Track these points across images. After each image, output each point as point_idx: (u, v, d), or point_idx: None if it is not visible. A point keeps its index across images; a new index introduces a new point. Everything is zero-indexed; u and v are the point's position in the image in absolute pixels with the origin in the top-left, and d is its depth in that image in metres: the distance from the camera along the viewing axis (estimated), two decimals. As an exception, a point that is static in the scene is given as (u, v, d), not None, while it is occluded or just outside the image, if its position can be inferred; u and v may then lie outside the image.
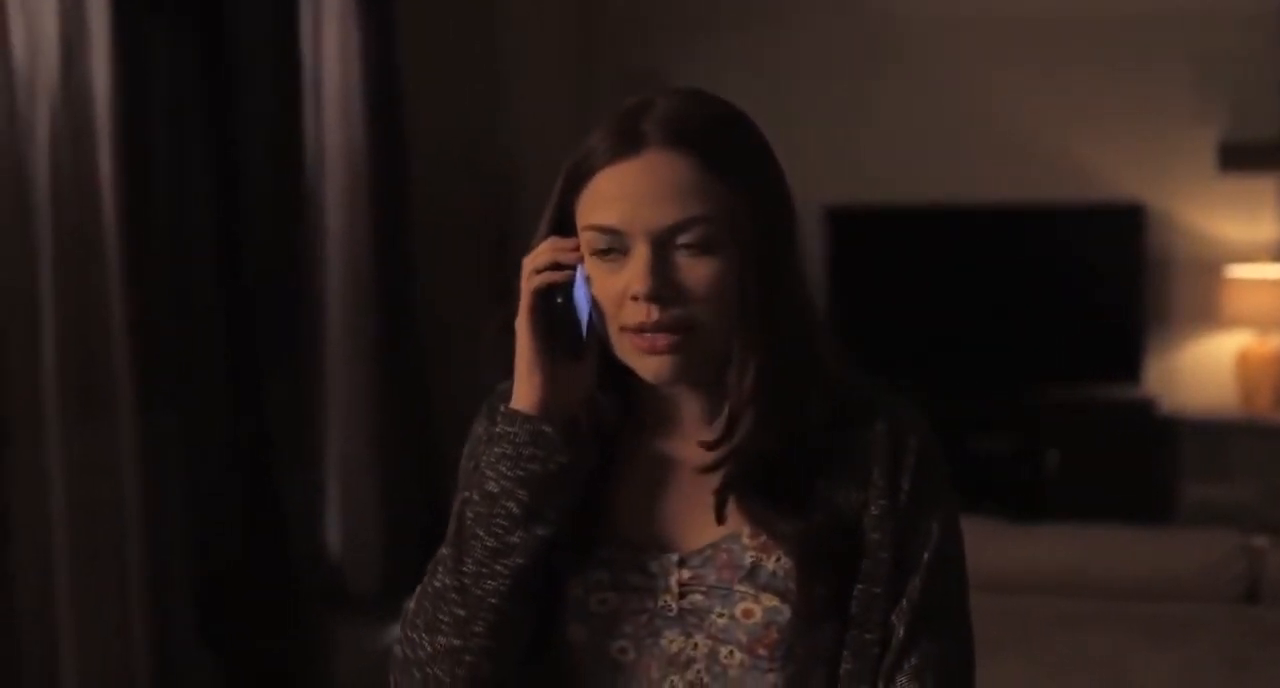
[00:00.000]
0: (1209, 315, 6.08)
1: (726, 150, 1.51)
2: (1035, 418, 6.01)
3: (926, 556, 1.54)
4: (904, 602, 1.53)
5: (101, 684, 3.95)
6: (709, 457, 1.55)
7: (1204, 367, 6.13)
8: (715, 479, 1.55)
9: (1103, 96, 6.13)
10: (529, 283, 1.53)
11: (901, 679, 1.53)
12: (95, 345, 3.93)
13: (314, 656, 4.55)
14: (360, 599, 4.70)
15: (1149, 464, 5.87)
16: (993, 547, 3.06)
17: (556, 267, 1.53)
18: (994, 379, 6.15)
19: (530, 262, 1.54)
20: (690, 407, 1.59)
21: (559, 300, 1.53)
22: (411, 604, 1.59)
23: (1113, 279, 6.09)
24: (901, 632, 1.53)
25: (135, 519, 4.03)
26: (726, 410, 1.56)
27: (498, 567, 1.52)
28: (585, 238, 1.53)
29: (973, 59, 6.22)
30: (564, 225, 1.56)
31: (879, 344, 6.15)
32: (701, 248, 1.49)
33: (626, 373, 1.56)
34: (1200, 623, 2.89)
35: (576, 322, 1.53)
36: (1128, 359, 6.07)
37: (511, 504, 1.51)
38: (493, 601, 1.52)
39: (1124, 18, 6.06)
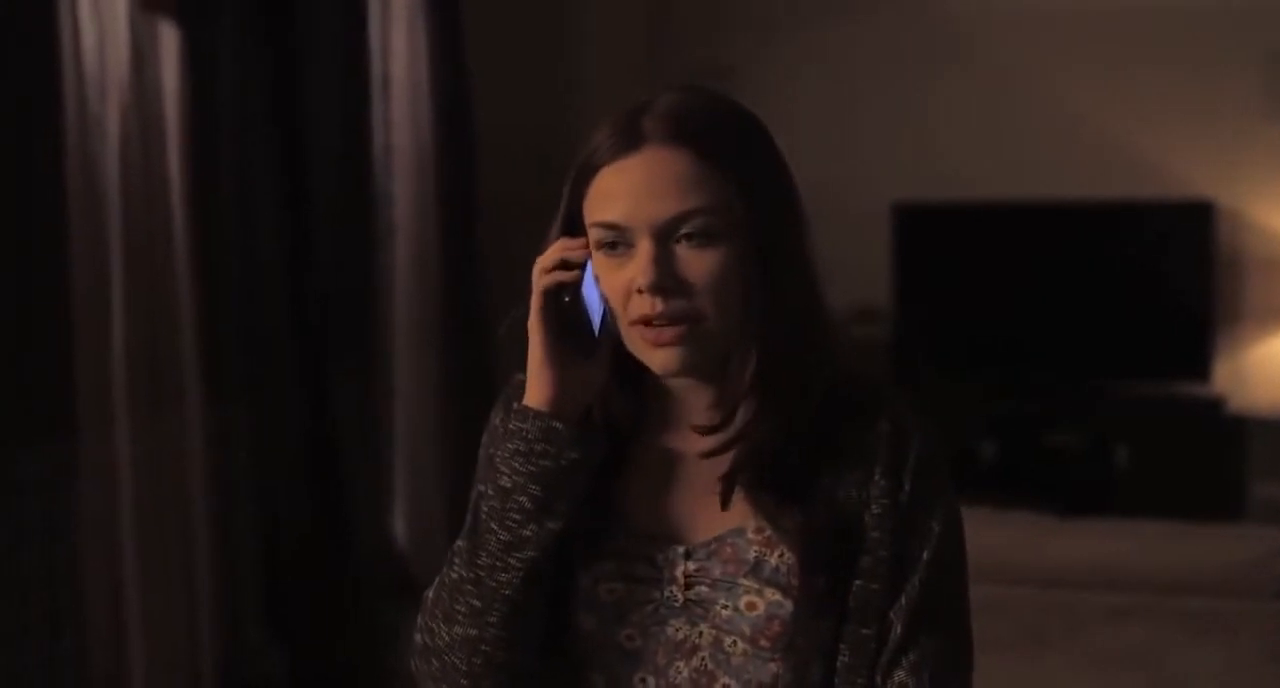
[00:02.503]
0: (1279, 313, 6.05)
1: (725, 144, 1.54)
2: (1105, 415, 6.00)
3: (926, 555, 1.57)
4: (902, 599, 1.56)
5: (169, 676, 4.02)
6: (709, 442, 1.58)
7: (1274, 365, 6.10)
8: (720, 471, 1.59)
9: (1172, 93, 6.11)
10: (539, 282, 1.57)
11: (899, 674, 1.56)
12: (164, 341, 4.00)
13: (380, 646, 4.60)
14: (426, 591, 4.76)
15: (1217, 462, 5.84)
16: (1039, 542, 3.08)
17: (566, 266, 1.57)
18: (1063, 377, 6.14)
19: (540, 262, 1.58)
20: (697, 399, 1.62)
21: (567, 299, 1.57)
22: (430, 594, 1.64)
23: (1182, 277, 6.07)
24: (899, 628, 1.56)
25: (202, 512, 4.10)
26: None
27: (511, 559, 1.56)
28: (591, 235, 1.57)
29: (1042, 56, 6.21)
30: (574, 225, 1.60)
31: (947, 342, 6.18)
32: (703, 240, 1.52)
33: (638, 369, 1.59)
34: (1242, 618, 2.89)
35: (586, 320, 1.57)
36: (1197, 357, 6.04)
37: (524, 499, 1.55)
38: (506, 592, 1.56)
39: (1194, 12, 6.04)
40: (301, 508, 4.67)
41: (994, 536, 3.16)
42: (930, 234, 6.28)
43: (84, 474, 3.84)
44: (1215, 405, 5.94)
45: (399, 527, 4.99)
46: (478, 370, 5.10)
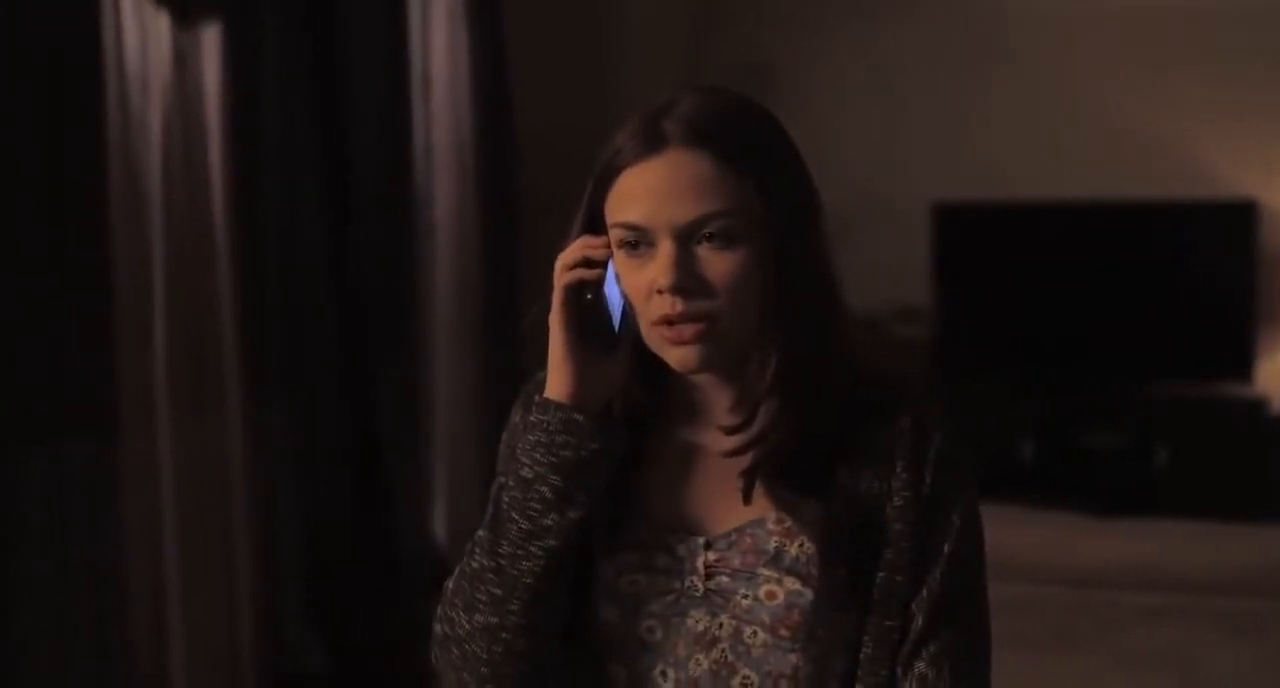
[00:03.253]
0: (1323, 313, 6.03)
1: (746, 147, 1.57)
2: (1146, 415, 5.98)
3: (947, 547, 1.59)
4: (924, 591, 1.58)
5: (210, 674, 4.05)
6: (732, 442, 1.61)
7: (1317, 365, 6.07)
8: (741, 465, 1.61)
9: (1216, 92, 6.08)
10: (561, 279, 1.60)
11: (920, 666, 1.58)
12: (206, 339, 4.03)
13: (420, 645, 4.62)
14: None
15: (1259, 463, 5.81)
16: (1072, 541, 3.08)
17: (588, 263, 1.60)
18: (1105, 377, 6.12)
19: (563, 259, 1.61)
20: (718, 396, 1.65)
21: (589, 296, 1.60)
22: (451, 584, 1.67)
23: (1225, 276, 6.05)
24: (921, 620, 1.58)
25: (243, 512, 4.13)
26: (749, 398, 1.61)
27: (532, 548, 1.58)
28: (613, 235, 1.60)
29: (1084, 55, 6.19)
30: (595, 223, 1.62)
31: (988, 342, 6.17)
32: (723, 241, 1.55)
33: (659, 364, 1.62)
34: (1275, 618, 2.89)
35: (607, 315, 1.60)
36: (1240, 357, 6.02)
37: (545, 489, 1.58)
38: (527, 580, 1.59)
39: (1237, 12, 6.01)
40: (342, 507, 4.70)
41: (1027, 535, 3.16)
42: (971, 234, 6.27)
43: (126, 473, 3.87)
44: (1258, 406, 5.91)
45: (439, 526, 5.01)
46: (517, 370, 5.11)
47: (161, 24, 3.89)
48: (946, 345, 6.18)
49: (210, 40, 4.03)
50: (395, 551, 4.78)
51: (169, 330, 3.91)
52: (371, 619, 4.60)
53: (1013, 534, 3.17)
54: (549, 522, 1.58)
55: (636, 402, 1.66)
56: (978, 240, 6.28)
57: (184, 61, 3.94)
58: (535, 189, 5.30)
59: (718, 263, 1.55)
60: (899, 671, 1.58)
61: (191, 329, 3.99)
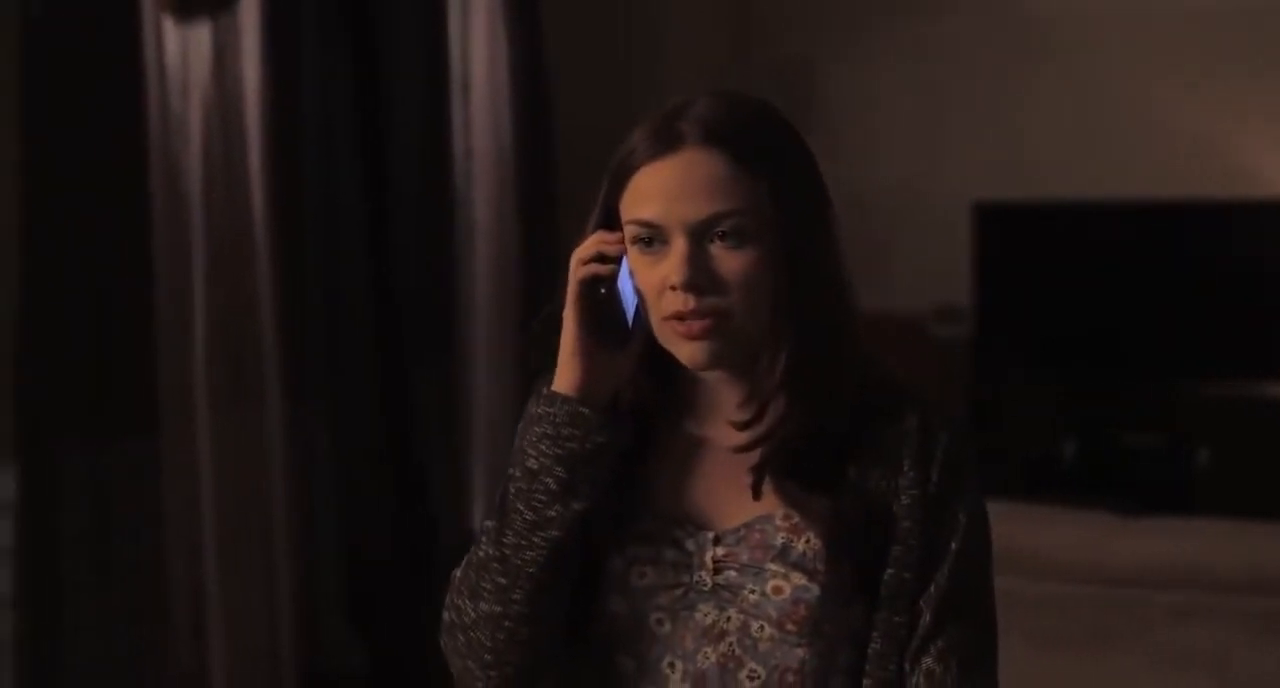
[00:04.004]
0: (1366, 312, 6.00)
1: (758, 148, 1.60)
2: (1187, 415, 5.96)
3: (954, 545, 1.62)
4: (932, 588, 1.61)
5: (249, 670, 4.08)
6: (741, 438, 1.64)
7: (1361, 365, 6.04)
8: (750, 461, 1.64)
9: (1258, 91, 6.05)
10: (575, 274, 1.64)
11: (927, 661, 1.61)
12: (245, 337, 4.07)
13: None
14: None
15: (1303, 463, 5.80)
16: (1110, 540, 3.08)
17: (602, 259, 1.63)
18: (1146, 376, 6.10)
19: (578, 254, 1.64)
20: (728, 392, 1.68)
21: (602, 291, 1.63)
22: (459, 573, 1.70)
23: (1267, 276, 6.02)
24: (928, 617, 1.61)
25: (283, 506, 4.16)
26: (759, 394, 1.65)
27: (535, 538, 1.61)
28: (628, 232, 1.63)
29: (1126, 54, 6.17)
30: (611, 220, 1.65)
31: (1029, 341, 6.16)
32: (735, 240, 1.58)
33: (669, 359, 1.64)
34: (1308, 619, 2.89)
35: (619, 310, 1.63)
36: (1282, 356, 6.00)
37: (550, 480, 1.61)
38: (530, 570, 1.61)
39: (1280, 11, 6.00)
40: (382, 505, 4.73)
41: (1065, 534, 3.16)
42: (1012, 233, 6.26)
43: (166, 470, 3.93)
44: (1300, 406, 5.90)
45: (477, 523, 5.03)
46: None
47: (201, 27, 3.93)
48: (987, 345, 6.17)
49: (250, 42, 4.07)
50: (433, 548, 4.81)
51: (209, 330, 3.95)
52: (409, 616, 4.63)
53: (1050, 533, 3.17)
54: (553, 513, 1.61)
55: (646, 397, 1.69)
56: (1019, 240, 6.27)
57: (223, 63, 3.98)
58: (572, 191, 5.32)
59: (730, 261, 1.58)
60: (907, 666, 1.61)
61: (231, 328, 4.02)
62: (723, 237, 1.58)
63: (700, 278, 1.57)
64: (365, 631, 4.55)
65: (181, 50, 3.88)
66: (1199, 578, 3.01)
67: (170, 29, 3.86)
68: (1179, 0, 6.11)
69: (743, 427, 1.64)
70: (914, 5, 6.37)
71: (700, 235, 1.58)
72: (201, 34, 3.92)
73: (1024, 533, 3.15)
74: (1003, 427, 6.09)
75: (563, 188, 5.25)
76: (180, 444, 3.94)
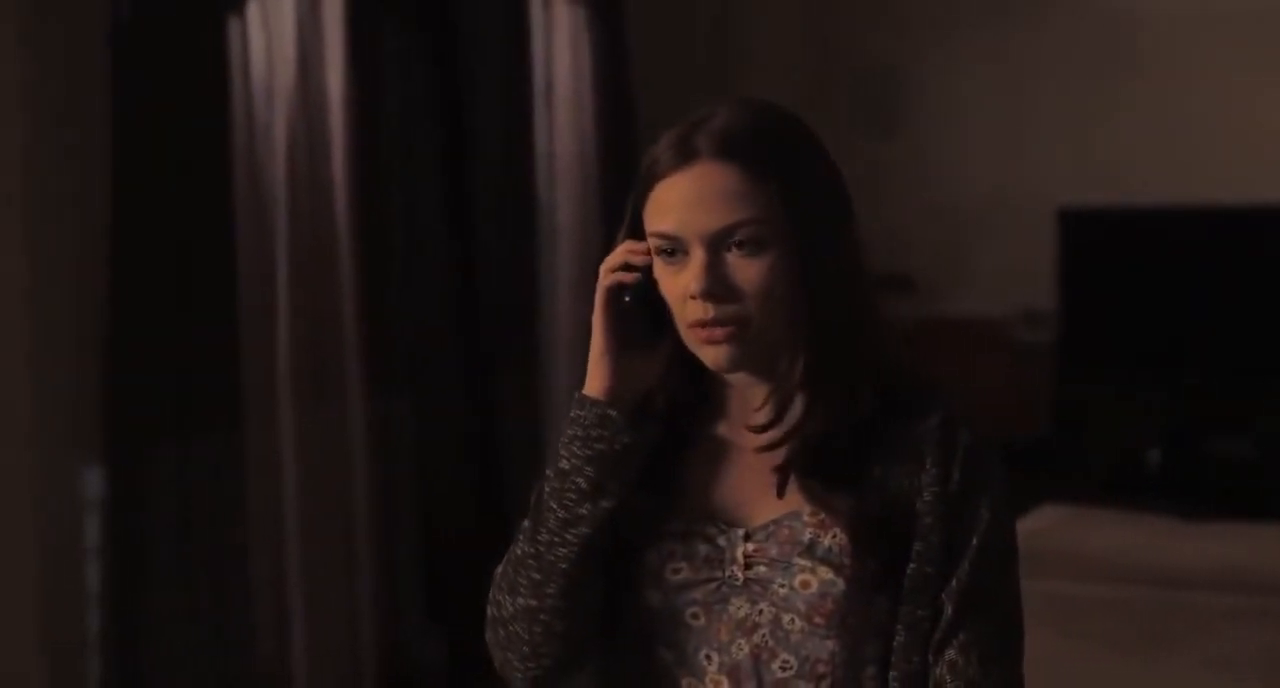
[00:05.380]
0: None
1: (772, 159, 1.65)
2: (1274, 420, 5.92)
3: (975, 540, 1.66)
4: (953, 582, 1.65)
5: (330, 660, 4.17)
6: (764, 438, 1.70)
7: None
8: (775, 460, 1.70)
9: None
10: (603, 282, 1.70)
11: (950, 653, 1.65)
12: (328, 335, 4.16)
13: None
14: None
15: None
16: (1161, 543, 3.09)
17: (628, 267, 1.70)
18: (1232, 382, 6.07)
19: (606, 263, 1.71)
20: (751, 394, 1.74)
21: (627, 299, 1.69)
22: (499, 570, 1.77)
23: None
24: (950, 610, 1.65)
25: (364, 502, 4.25)
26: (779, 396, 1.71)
27: (568, 535, 1.68)
28: (651, 243, 1.69)
29: (1212, 58, 6.14)
30: (639, 230, 1.72)
31: (1114, 347, 6.15)
32: (751, 249, 1.63)
33: (698, 363, 1.70)
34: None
35: (644, 317, 1.69)
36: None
37: (580, 480, 1.68)
38: (563, 566, 1.68)
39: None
40: (462, 500, 4.80)
41: (1118, 537, 3.18)
42: (1097, 238, 6.25)
43: (250, 464, 4.02)
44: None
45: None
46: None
47: (286, 33, 4.02)
48: (1071, 350, 6.17)
49: (333, 48, 4.16)
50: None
51: (292, 330, 4.05)
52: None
53: (1108, 536, 3.19)
54: (584, 511, 1.68)
55: (679, 399, 1.75)
56: (1103, 245, 6.26)
57: (308, 69, 4.07)
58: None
59: (746, 269, 1.64)
60: (931, 658, 1.66)
61: (314, 329, 4.12)
62: (739, 245, 1.63)
63: (717, 287, 1.63)
64: (444, 623, 4.61)
65: (266, 57, 3.98)
66: (1251, 581, 3.02)
67: (256, 36, 3.95)
68: (1264, 3, 6.07)
69: (762, 428, 1.70)
70: (1000, 13, 6.37)
71: (717, 245, 1.64)
72: (286, 41, 4.01)
73: (1082, 536, 3.17)
74: (1087, 432, 6.09)
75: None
76: (264, 439, 4.03)
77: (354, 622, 4.24)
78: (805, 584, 1.67)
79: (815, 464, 1.68)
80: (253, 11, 3.95)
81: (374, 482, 4.28)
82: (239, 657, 3.99)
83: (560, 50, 5.09)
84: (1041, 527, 3.18)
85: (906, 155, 6.32)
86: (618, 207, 5.24)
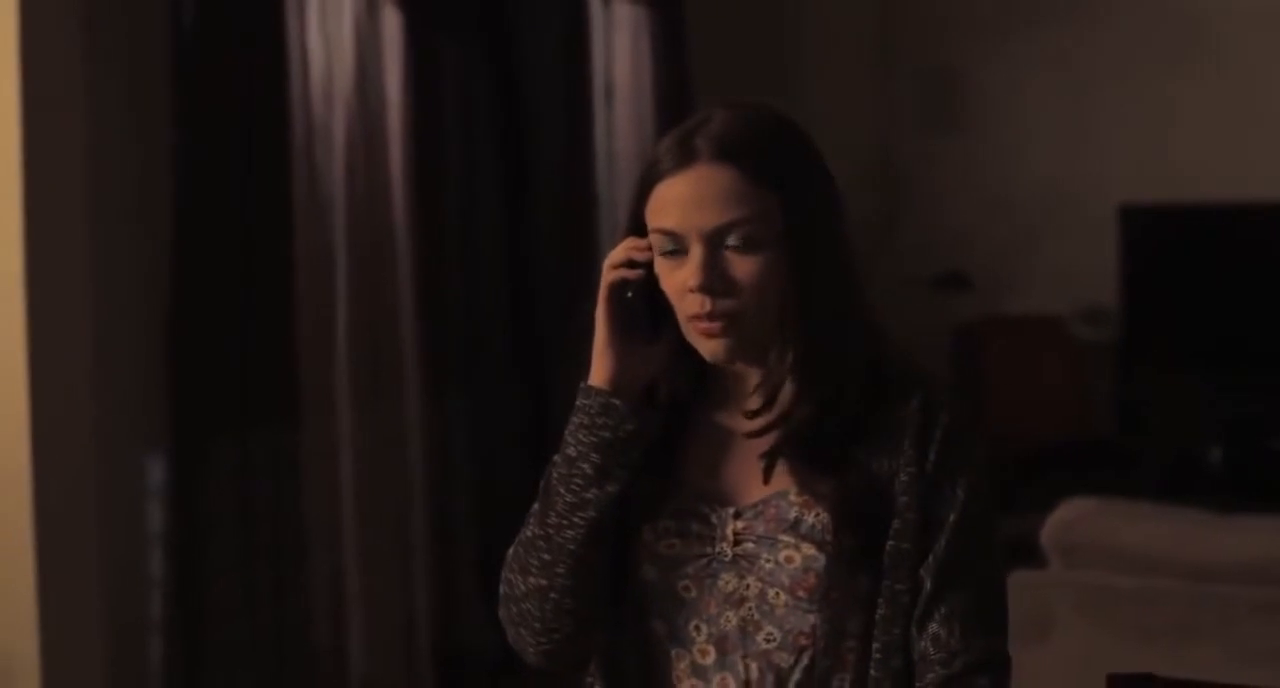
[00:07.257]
0: None
1: (767, 161, 1.76)
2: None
3: (951, 517, 1.76)
4: (930, 558, 1.75)
5: (386, 650, 4.26)
6: (755, 424, 1.80)
7: None
8: (766, 445, 1.79)
9: None
10: (606, 277, 1.82)
11: (933, 626, 1.75)
12: (385, 333, 4.25)
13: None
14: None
15: None
16: (1193, 535, 3.12)
17: (631, 264, 1.80)
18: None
19: (609, 259, 1.83)
20: (747, 383, 1.83)
21: (629, 294, 1.80)
22: (511, 551, 1.87)
23: None
24: (929, 585, 1.75)
25: (421, 496, 4.34)
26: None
27: (575, 519, 1.79)
28: (652, 239, 1.79)
29: (1276, 54, 6.12)
30: (641, 228, 1.82)
31: (1174, 344, 6.15)
32: (746, 246, 1.74)
33: (697, 354, 1.80)
34: None
35: (645, 310, 1.80)
36: None
37: (586, 466, 1.78)
38: (571, 547, 1.79)
39: None
40: (516, 491, 4.86)
41: (1150, 529, 3.21)
42: (1160, 236, 6.24)
43: (307, 458, 4.11)
44: None
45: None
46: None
47: (345, 33, 4.11)
48: (1131, 347, 6.17)
49: (392, 50, 4.24)
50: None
51: (350, 326, 4.14)
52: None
53: (1140, 528, 3.22)
54: (590, 496, 1.78)
55: (681, 388, 1.85)
56: (1166, 242, 6.25)
57: (366, 71, 4.16)
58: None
59: (742, 265, 1.74)
60: (914, 630, 1.75)
61: (372, 325, 4.21)
62: (736, 243, 1.74)
63: (714, 282, 1.73)
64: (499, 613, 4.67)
65: (325, 59, 4.07)
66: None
67: (315, 38, 4.04)
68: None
69: (754, 414, 1.80)
70: (1062, 9, 6.37)
71: (714, 242, 1.74)
72: (345, 43, 4.10)
73: (1114, 528, 3.21)
74: (1147, 430, 6.09)
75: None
76: (322, 434, 4.12)
77: (410, 611, 4.33)
78: (789, 559, 1.76)
79: (802, 448, 1.77)
80: (312, 14, 4.04)
81: (430, 474, 4.37)
82: (296, 643, 4.08)
83: (620, 49, 5.15)
84: (1073, 517, 3.22)
85: (968, 153, 6.34)
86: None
